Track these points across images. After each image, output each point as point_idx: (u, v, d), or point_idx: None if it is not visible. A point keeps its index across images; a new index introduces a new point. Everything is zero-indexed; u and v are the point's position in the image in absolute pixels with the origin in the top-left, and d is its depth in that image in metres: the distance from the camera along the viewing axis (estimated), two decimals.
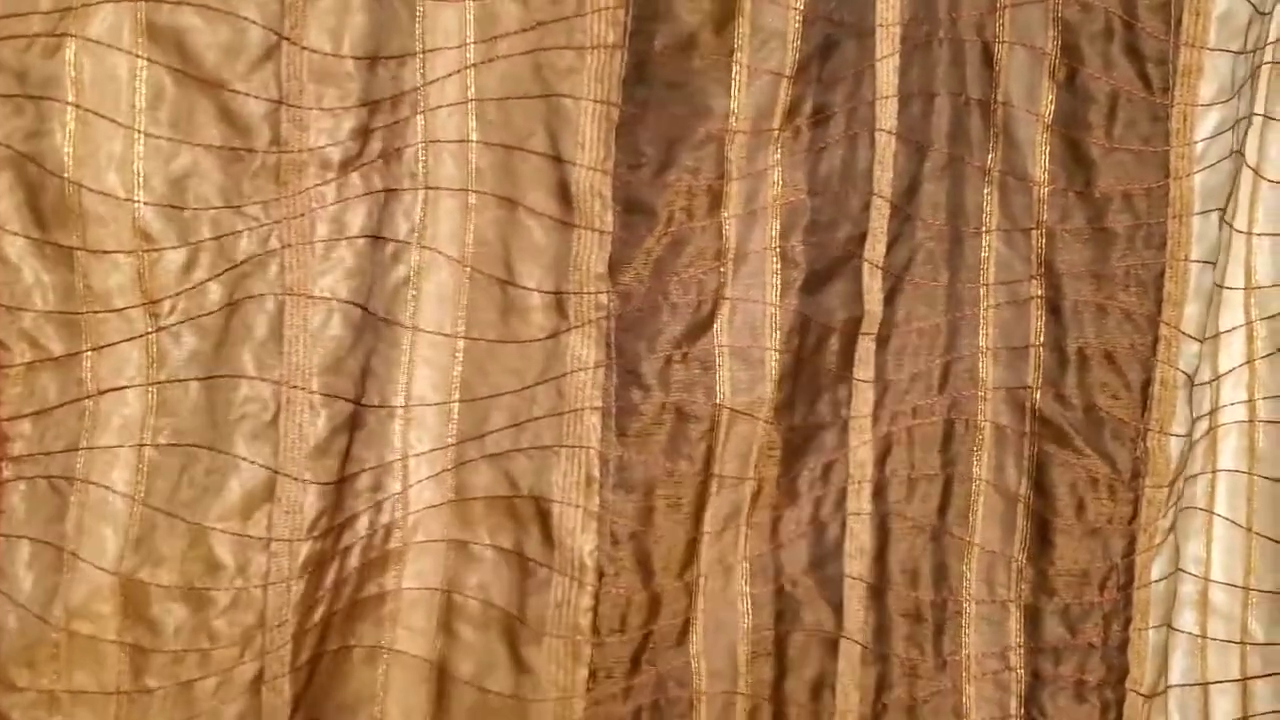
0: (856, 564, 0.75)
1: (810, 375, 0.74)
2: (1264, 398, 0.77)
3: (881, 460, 0.75)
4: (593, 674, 0.73)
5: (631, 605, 0.73)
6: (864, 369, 0.74)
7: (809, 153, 0.72)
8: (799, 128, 0.72)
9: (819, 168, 0.72)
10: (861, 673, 0.76)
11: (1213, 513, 0.78)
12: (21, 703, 0.66)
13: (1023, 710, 0.76)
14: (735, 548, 0.74)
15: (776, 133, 0.71)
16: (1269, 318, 0.76)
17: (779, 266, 0.73)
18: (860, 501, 0.75)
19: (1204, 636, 0.78)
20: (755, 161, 0.71)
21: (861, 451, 0.75)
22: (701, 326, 0.73)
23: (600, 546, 0.72)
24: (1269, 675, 0.77)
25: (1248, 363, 0.77)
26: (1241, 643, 0.78)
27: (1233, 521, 0.78)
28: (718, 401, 0.72)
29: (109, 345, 0.66)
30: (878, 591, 0.76)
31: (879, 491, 0.75)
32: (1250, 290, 0.76)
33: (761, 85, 0.70)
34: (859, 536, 0.75)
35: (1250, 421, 0.77)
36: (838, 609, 0.75)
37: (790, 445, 0.74)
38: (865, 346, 0.74)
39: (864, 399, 0.74)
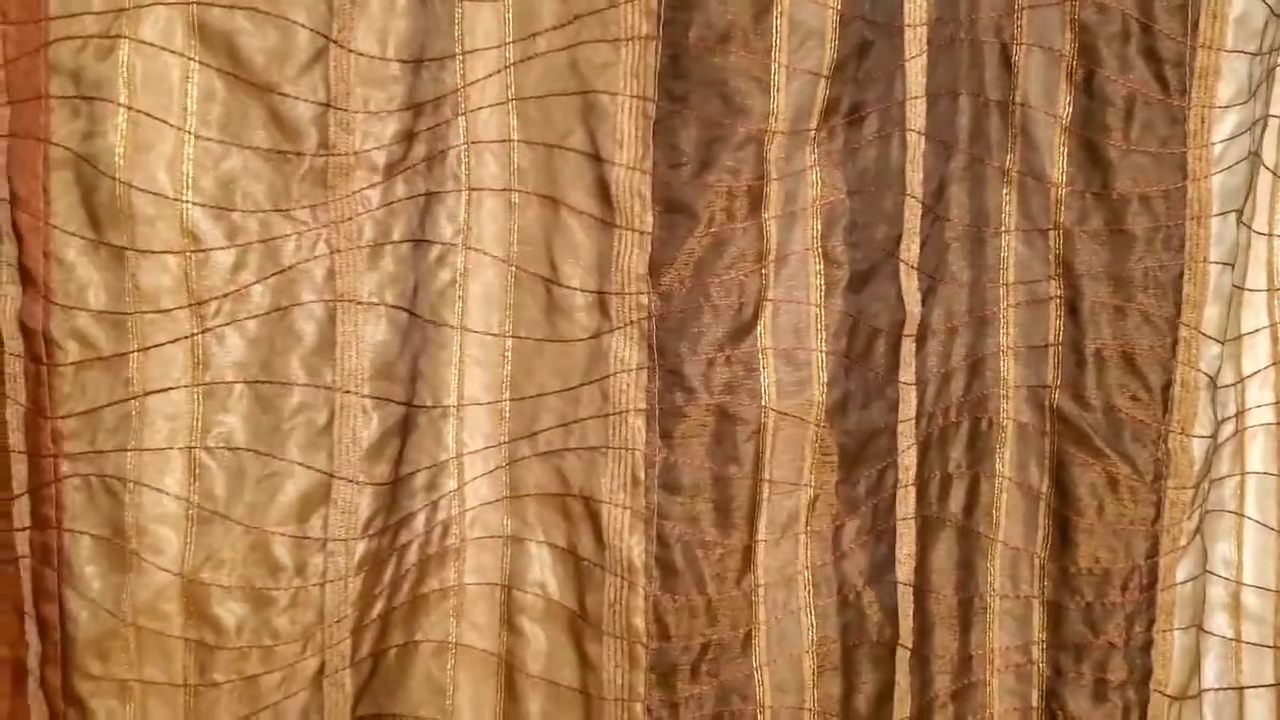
0: (905, 569, 0.76)
1: (861, 378, 0.73)
2: None
3: (922, 462, 0.75)
4: (650, 678, 0.73)
5: (687, 611, 0.73)
6: (907, 371, 0.74)
7: (845, 153, 0.71)
8: (834, 128, 0.71)
9: (856, 168, 0.72)
10: (910, 678, 0.76)
11: (1243, 515, 0.77)
12: (99, 690, 0.69)
13: (1044, 704, 0.76)
14: (795, 557, 0.74)
15: (814, 133, 0.71)
16: None
17: (821, 267, 0.72)
18: (907, 506, 0.75)
19: (1238, 640, 0.78)
20: (794, 162, 0.71)
21: (908, 455, 0.75)
22: (744, 328, 0.72)
23: (648, 549, 0.72)
24: None
25: (1273, 364, 0.77)
26: (1275, 647, 0.77)
27: (1263, 524, 0.77)
28: (763, 404, 0.72)
29: (155, 346, 0.67)
30: (921, 595, 0.76)
31: (921, 494, 0.75)
32: (1273, 292, 0.76)
33: (800, 85, 0.69)
34: (906, 541, 0.76)
35: (1277, 424, 0.77)
36: (893, 617, 0.75)
37: (846, 451, 0.73)
38: (908, 348, 0.74)
39: (909, 402, 0.74)
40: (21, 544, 0.68)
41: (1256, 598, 0.78)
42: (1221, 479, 0.77)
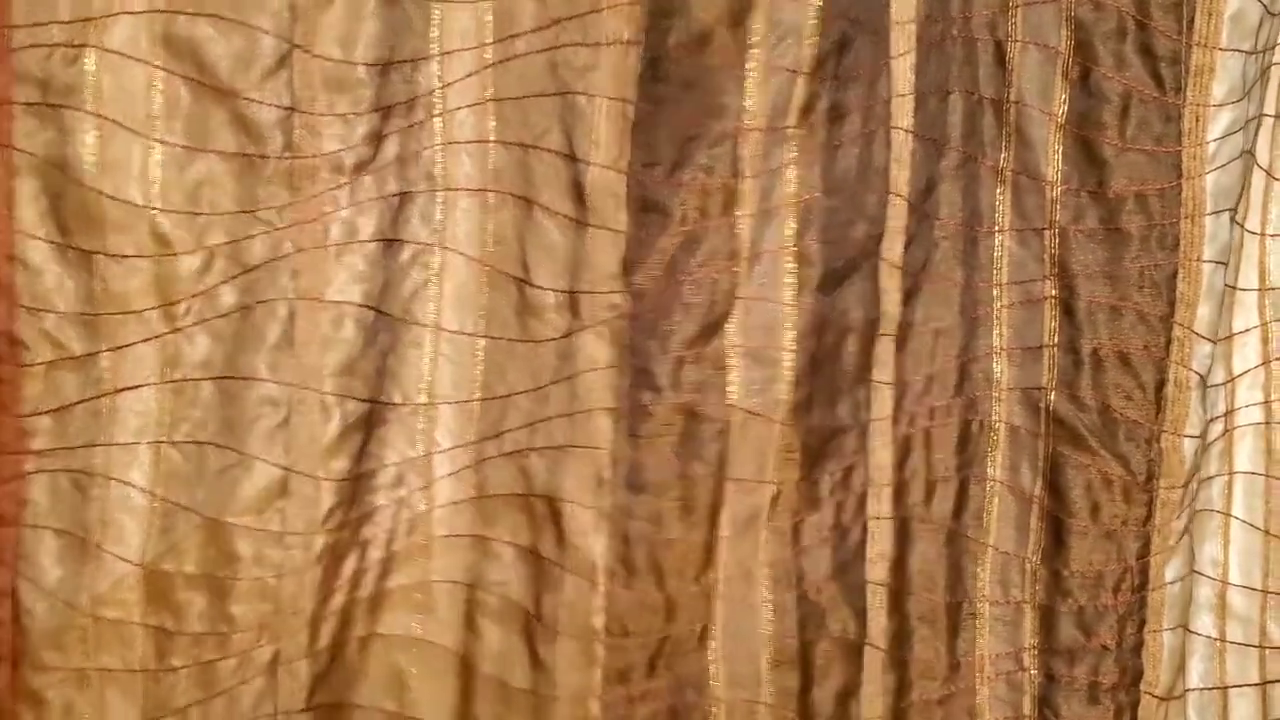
0: (878, 569, 0.75)
1: (828, 377, 0.73)
2: None
3: (901, 463, 0.75)
4: (607, 676, 0.73)
5: (646, 608, 0.73)
6: (883, 370, 0.74)
7: (824, 151, 0.71)
8: (813, 125, 0.71)
9: (834, 166, 0.71)
10: (883, 679, 0.75)
11: (1229, 515, 0.77)
12: (53, 681, 0.69)
13: (1036, 711, 0.75)
14: (755, 553, 0.74)
15: (791, 130, 0.71)
16: None
17: (794, 266, 0.72)
18: (881, 505, 0.75)
19: (1222, 640, 0.78)
20: (770, 160, 0.71)
21: (881, 454, 0.74)
22: (714, 326, 0.72)
23: (611, 547, 0.72)
24: None
25: (1263, 364, 0.77)
26: (1260, 646, 0.78)
27: (1250, 524, 0.77)
28: (729, 402, 0.72)
29: (126, 346, 0.68)
30: (898, 596, 0.75)
31: (899, 494, 0.75)
32: (1264, 291, 0.76)
33: (777, 83, 0.70)
34: (880, 541, 0.75)
35: (1266, 423, 0.77)
36: (861, 615, 0.75)
37: (809, 448, 0.73)
38: (884, 347, 0.74)
39: (883, 401, 0.74)
40: None
41: (1242, 597, 0.78)
42: (1210, 478, 0.77)
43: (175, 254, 0.67)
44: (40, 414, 0.67)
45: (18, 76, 0.65)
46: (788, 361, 0.72)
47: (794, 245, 0.72)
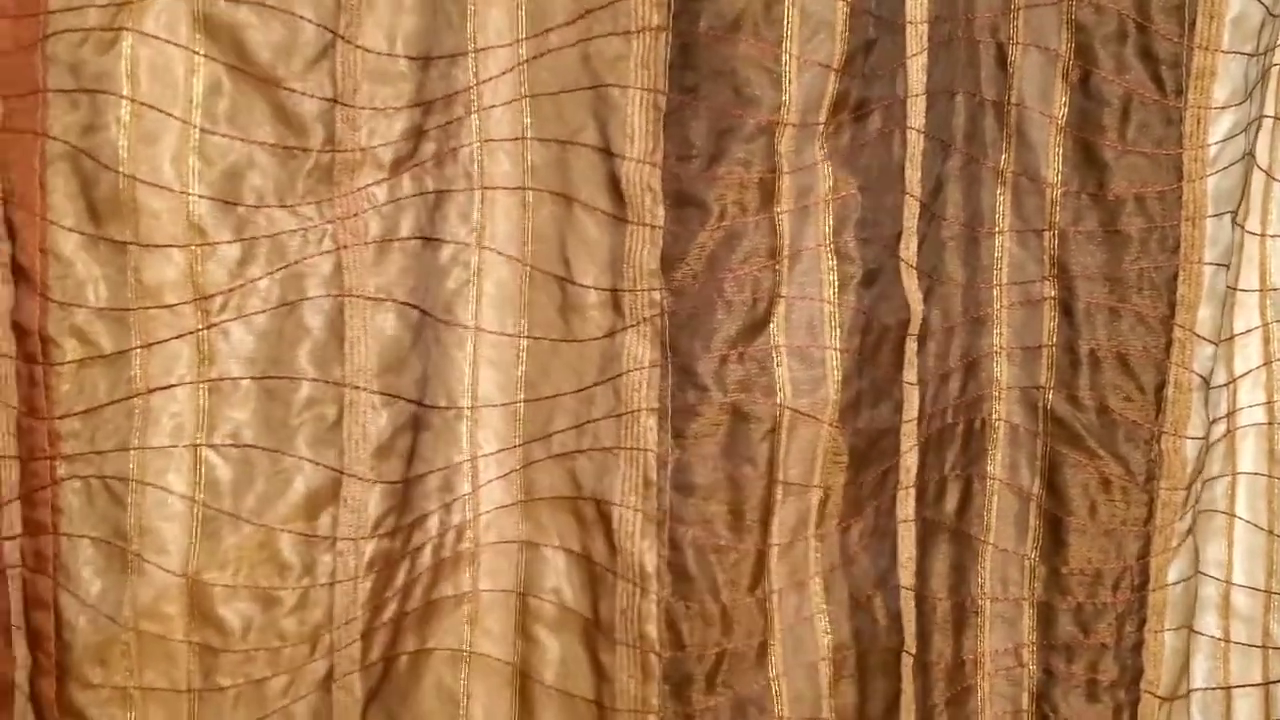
0: (906, 573, 0.75)
1: (871, 377, 0.72)
2: None
3: (922, 464, 0.75)
4: (664, 690, 0.71)
5: (702, 619, 0.71)
6: (910, 371, 0.73)
7: (851, 148, 0.71)
8: (841, 123, 0.70)
9: (861, 164, 0.71)
10: (914, 685, 0.75)
11: (1233, 515, 0.78)
12: (97, 699, 0.67)
13: (1035, 707, 0.76)
14: (806, 562, 0.72)
15: (822, 127, 0.70)
16: None
17: (835, 263, 0.71)
18: (907, 508, 0.74)
19: (1226, 640, 0.78)
20: (803, 155, 0.70)
21: (909, 457, 0.74)
22: (758, 325, 0.70)
23: (660, 552, 0.71)
24: None
25: (1265, 364, 0.77)
26: (1264, 647, 0.78)
27: (1254, 524, 0.78)
28: (779, 402, 0.71)
29: (159, 342, 0.66)
30: (921, 599, 0.75)
31: (920, 497, 0.75)
32: (1265, 293, 0.76)
33: (811, 77, 0.68)
34: (907, 545, 0.75)
35: (1270, 424, 0.77)
36: (898, 622, 0.74)
37: (856, 451, 0.72)
38: (911, 348, 0.73)
39: (911, 402, 0.74)
40: (11, 552, 0.66)
41: (1246, 598, 0.78)
42: (1213, 479, 0.78)
43: (213, 244, 0.65)
44: (71, 415, 0.65)
45: (52, 62, 0.63)
46: (834, 361, 0.71)
47: (833, 242, 0.71)
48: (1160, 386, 0.73)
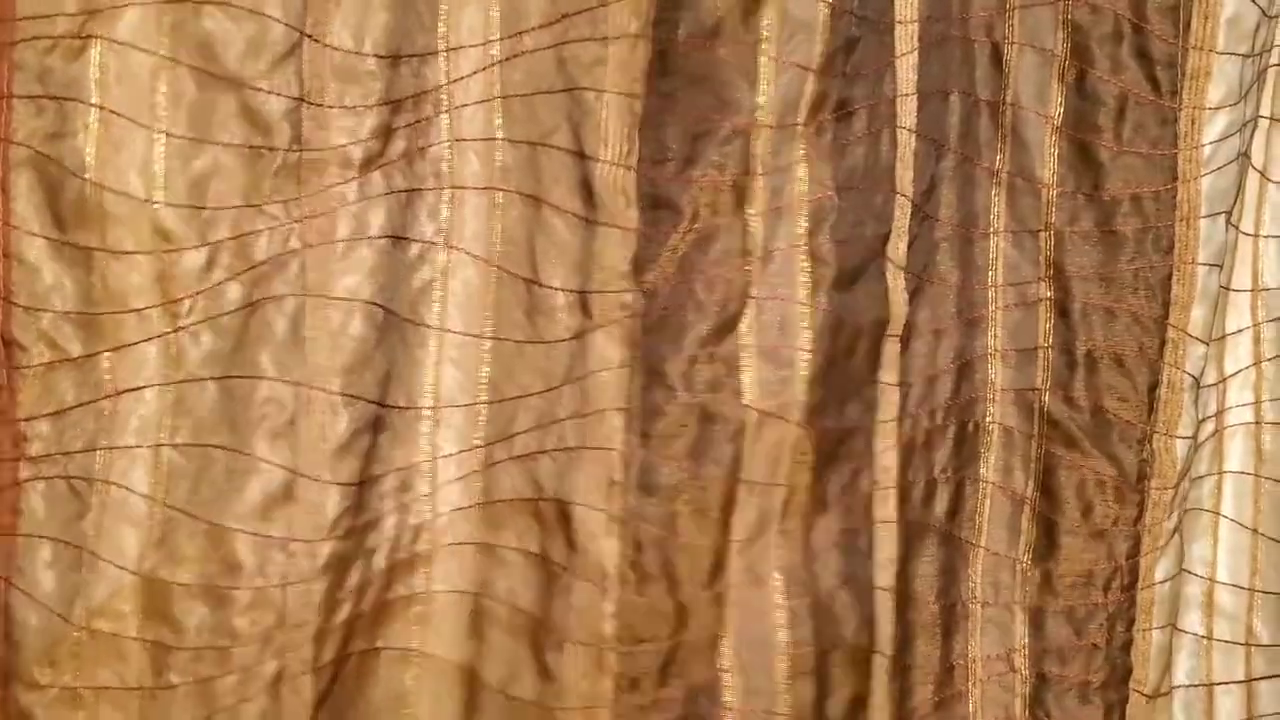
0: (885, 574, 0.74)
1: (841, 378, 0.72)
2: (1270, 400, 0.77)
3: (905, 466, 0.74)
4: (618, 684, 0.71)
5: (657, 614, 0.71)
6: (889, 372, 0.73)
7: (834, 149, 0.70)
8: (823, 123, 0.70)
9: (844, 164, 0.71)
10: (889, 687, 0.74)
11: (1219, 514, 0.78)
12: (44, 700, 0.66)
13: (1028, 712, 0.75)
14: (766, 558, 0.72)
15: (801, 128, 0.70)
16: (1276, 319, 0.77)
17: (808, 265, 0.71)
18: (887, 509, 0.74)
19: (1209, 638, 0.78)
20: (780, 157, 0.70)
21: (886, 457, 0.73)
22: (728, 326, 0.71)
23: (622, 552, 0.71)
24: (1273, 676, 0.78)
25: (1254, 365, 0.77)
26: (1246, 644, 0.78)
27: (1239, 523, 0.78)
28: (745, 403, 0.71)
29: (127, 346, 0.66)
30: (902, 601, 0.74)
31: (903, 498, 0.74)
32: (1257, 292, 0.76)
33: (788, 79, 0.69)
34: (886, 546, 0.74)
35: (1257, 424, 0.78)
36: (870, 623, 0.74)
37: (822, 451, 0.72)
38: (890, 349, 0.73)
39: (889, 403, 0.73)
40: None
41: (1230, 595, 0.78)
42: (1200, 478, 0.78)
43: (178, 249, 0.65)
44: (37, 418, 0.65)
45: (19, 69, 0.63)
46: (804, 361, 0.71)
47: (806, 244, 0.71)
48: (1153, 386, 0.73)
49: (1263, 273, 0.77)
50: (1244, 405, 0.77)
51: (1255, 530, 0.78)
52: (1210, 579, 0.78)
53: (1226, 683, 0.78)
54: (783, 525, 0.72)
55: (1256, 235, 0.76)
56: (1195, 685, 0.79)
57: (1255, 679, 0.78)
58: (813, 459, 0.72)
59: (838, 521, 0.73)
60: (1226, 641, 0.78)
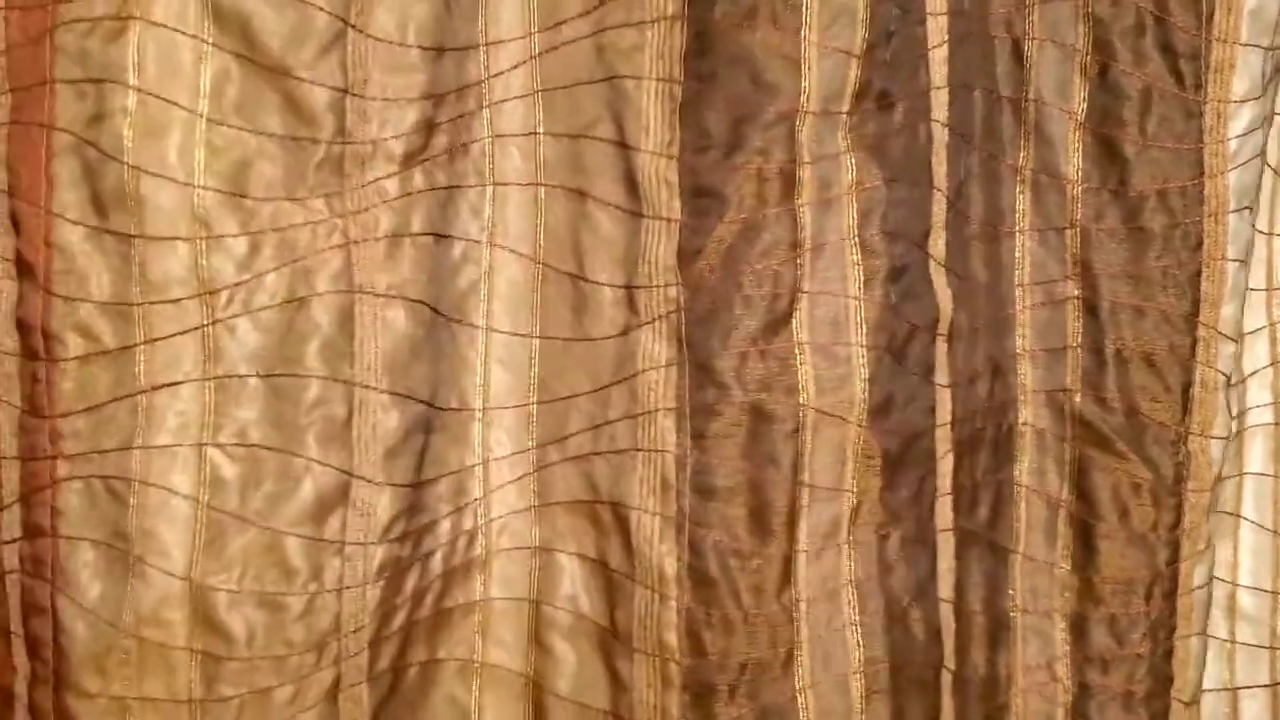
0: (944, 585, 0.72)
1: (902, 376, 0.70)
2: None
3: (957, 471, 0.72)
4: (685, 699, 0.69)
5: (725, 626, 0.69)
6: (941, 373, 0.71)
7: (877, 139, 0.69)
8: (866, 112, 0.68)
9: (888, 155, 0.69)
10: (953, 702, 0.73)
11: (1239, 516, 0.77)
12: (94, 710, 0.65)
13: None
14: (838, 570, 0.70)
15: (846, 116, 0.68)
16: None
17: (860, 258, 0.69)
18: (946, 517, 0.72)
19: (1232, 641, 0.77)
20: (825, 145, 0.68)
21: (945, 462, 0.72)
22: (779, 321, 0.68)
23: (680, 557, 0.69)
24: None
25: (1272, 364, 0.76)
26: (1271, 647, 0.77)
27: (1259, 525, 0.77)
28: (802, 401, 0.69)
29: (163, 338, 0.65)
30: (959, 612, 0.73)
31: (955, 505, 0.72)
32: (1272, 291, 0.76)
33: (832, 64, 0.67)
34: (945, 555, 0.72)
35: (1276, 424, 0.77)
36: (937, 636, 0.72)
37: (890, 454, 0.70)
38: (941, 349, 0.71)
39: (944, 405, 0.71)
40: (10, 557, 0.65)
41: (1252, 598, 0.77)
42: (1221, 480, 0.76)
43: (218, 237, 0.64)
44: (73, 414, 0.64)
45: (60, 53, 0.62)
46: (860, 359, 0.69)
47: (858, 235, 0.69)
48: (1187, 386, 0.72)
49: (1277, 272, 0.76)
50: (1263, 406, 0.76)
51: (1276, 532, 0.77)
52: (1232, 582, 0.77)
53: (1251, 686, 0.77)
54: (853, 535, 0.70)
55: (1271, 233, 0.75)
56: (1219, 690, 0.77)
57: None
58: (881, 463, 0.70)
59: (910, 531, 0.71)
60: (1251, 645, 0.77)
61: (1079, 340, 0.73)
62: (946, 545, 0.72)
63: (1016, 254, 0.73)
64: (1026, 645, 0.74)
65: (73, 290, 0.64)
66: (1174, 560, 0.72)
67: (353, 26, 0.65)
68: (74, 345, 0.64)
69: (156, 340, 0.64)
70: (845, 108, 0.68)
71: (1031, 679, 0.74)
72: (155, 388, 0.65)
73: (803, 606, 0.70)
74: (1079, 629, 0.73)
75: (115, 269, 0.64)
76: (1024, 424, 0.74)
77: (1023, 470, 0.74)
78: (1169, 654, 0.73)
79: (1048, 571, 0.74)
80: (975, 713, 0.73)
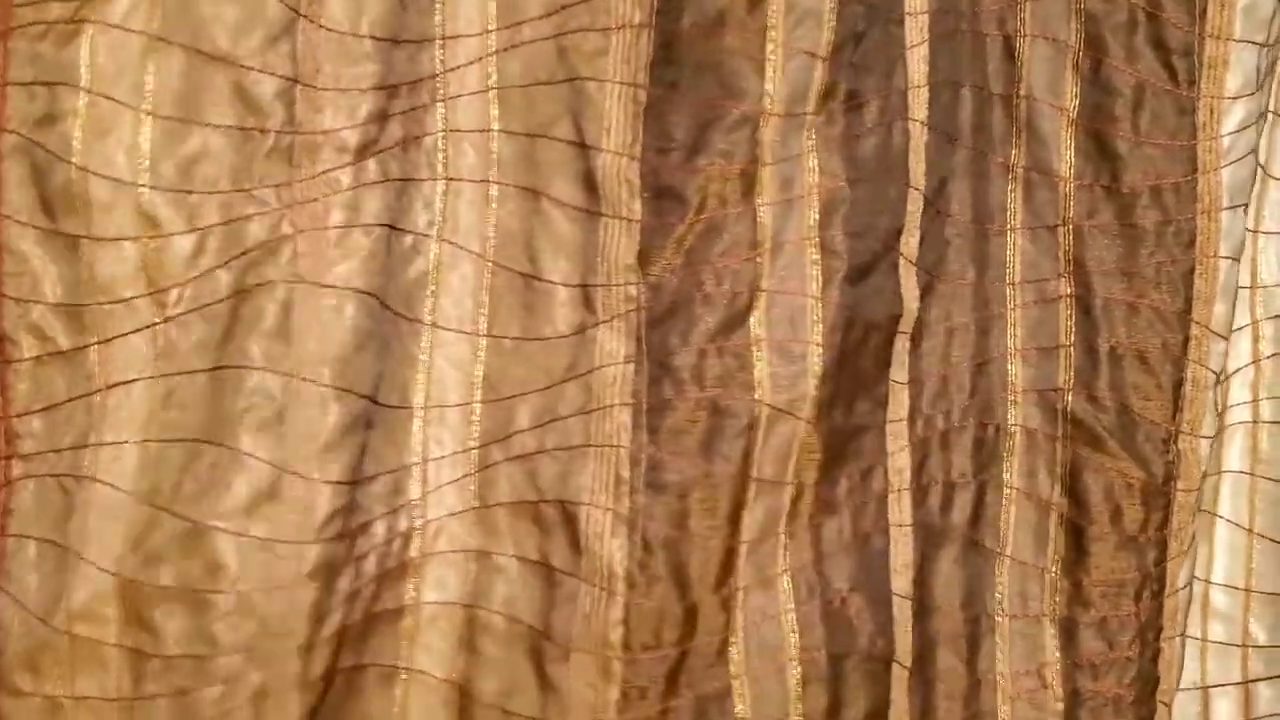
0: (901, 580, 0.72)
1: (852, 374, 0.70)
2: (1268, 398, 0.76)
3: (919, 467, 0.72)
4: (625, 693, 0.68)
5: (666, 619, 0.69)
6: (900, 370, 0.71)
7: (844, 139, 0.69)
8: (833, 113, 0.68)
9: (856, 155, 0.69)
10: (909, 700, 0.72)
11: (1215, 514, 0.77)
12: (25, 708, 0.64)
13: None
14: (775, 559, 0.70)
15: (810, 117, 0.68)
16: (1274, 317, 0.76)
17: (819, 257, 0.69)
18: (901, 512, 0.72)
19: (1204, 639, 0.77)
20: (789, 146, 0.68)
21: (899, 458, 0.72)
22: (737, 319, 0.69)
23: (631, 553, 0.68)
24: (1271, 678, 0.77)
25: (1253, 363, 0.76)
26: (1243, 645, 0.77)
27: (1235, 523, 0.77)
28: (756, 397, 0.69)
29: (116, 337, 0.64)
30: (921, 609, 0.72)
31: (918, 501, 0.72)
32: (1255, 289, 0.76)
33: (796, 66, 0.67)
34: (903, 550, 0.72)
35: (1254, 422, 0.76)
36: (887, 630, 0.71)
37: (830, 449, 0.70)
38: (901, 346, 0.71)
39: (900, 401, 0.71)
40: None
41: (1225, 596, 0.77)
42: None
43: (166, 235, 0.63)
44: (29, 414, 0.64)
45: (14, 55, 0.62)
46: (815, 356, 0.69)
47: (817, 236, 0.69)
48: (1178, 384, 0.71)
49: (1261, 269, 0.76)
50: (1242, 404, 0.76)
51: (1251, 530, 0.77)
52: (1206, 580, 0.77)
53: (1223, 684, 0.77)
54: (790, 525, 0.70)
55: (1256, 231, 0.75)
56: (1191, 688, 0.77)
57: (1253, 680, 0.77)
58: (821, 456, 0.70)
59: (849, 523, 0.71)
60: (1222, 643, 0.77)
61: (1072, 338, 0.72)
62: (904, 541, 0.72)
63: (1008, 252, 0.72)
64: (1014, 650, 0.73)
65: (25, 292, 0.64)
66: (1161, 560, 0.72)
67: (304, 16, 0.64)
68: (28, 346, 0.64)
69: (110, 340, 0.64)
70: (810, 109, 0.68)
71: (1020, 685, 0.73)
72: (110, 386, 0.64)
73: (739, 595, 0.70)
74: (1069, 633, 0.73)
75: (66, 270, 0.64)
76: (1013, 425, 0.73)
77: (1012, 472, 0.73)
78: (1156, 656, 0.73)
79: (1038, 575, 0.73)
80: (946, 714, 0.73)
